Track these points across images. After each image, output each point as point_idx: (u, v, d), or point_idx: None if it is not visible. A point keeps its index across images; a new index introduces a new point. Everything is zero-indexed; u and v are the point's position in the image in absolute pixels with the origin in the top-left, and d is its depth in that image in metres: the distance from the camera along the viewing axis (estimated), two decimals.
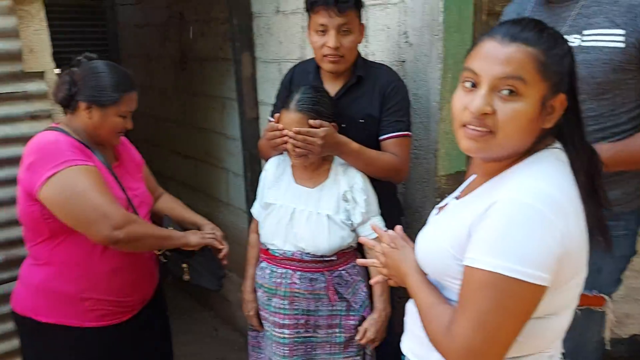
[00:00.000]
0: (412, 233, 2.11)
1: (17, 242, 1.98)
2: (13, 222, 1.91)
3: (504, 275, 0.88)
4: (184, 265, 1.83)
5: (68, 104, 1.72)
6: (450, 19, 1.84)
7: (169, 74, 3.88)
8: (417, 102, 2.01)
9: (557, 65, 0.94)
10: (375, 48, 2.13)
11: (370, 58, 2.14)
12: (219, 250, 1.91)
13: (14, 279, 2.26)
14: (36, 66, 2.22)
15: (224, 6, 2.90)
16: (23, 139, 2.22)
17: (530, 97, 0.93)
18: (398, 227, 1.27)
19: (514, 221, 0.89)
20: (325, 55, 1.79)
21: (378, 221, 1.80)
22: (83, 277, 1.67)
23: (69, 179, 1.55)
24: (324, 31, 1.76)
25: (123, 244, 1.59)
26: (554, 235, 0.88)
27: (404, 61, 2.04)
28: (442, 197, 2.00)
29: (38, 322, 1.69)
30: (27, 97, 2.22)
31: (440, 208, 1.21)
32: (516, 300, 0.89)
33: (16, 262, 1.95)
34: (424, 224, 1.24)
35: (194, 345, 3.20)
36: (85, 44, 4.96)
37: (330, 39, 1.75)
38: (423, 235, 1.14)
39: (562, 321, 1.01)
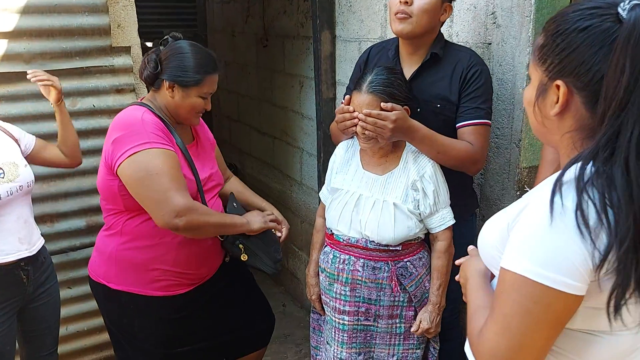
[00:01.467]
0: None
1: (99, 209, 2.10)
2: (96, 191, 2.02)
3: (529, 278, 0.81)
4: (240, 245, 1.84)
5: (152, 82, 1.76)
6: None
7: (251, 51, 3.92)
8: (501, 88, 1.87)
9: None
10: (460, 29, 2.00)
11: (454, 39, 2.01)
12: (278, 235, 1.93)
13: (94, 244, 2.41)
14: (123, 41, 2.32)
15: None
16: (108, 111, 2.35)
17: None
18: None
19: (544, 223, 0.81)
20: (395, 14, 1.69)
21: (447, 213, 1.71)
22: (152, 249, 1.73)
23: (146, 160, 1.58)
24: None
25: (182, 230, 1.63)
26: (589, 242, 0.78)
27: (490, 43, 1.90)
28: (523, 191, 1.88)
29: (109, 289, 1.79)
30: (113, 70, 2.32)
31: None
32: (542, 306, 0.81)
33: (97, 228, 2.07)
34: None
35: None
36: (175, 19, 5.14)
37: None
38: (488, 221, 1.07)
39: (623, 343, 0.90)
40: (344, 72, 2.72)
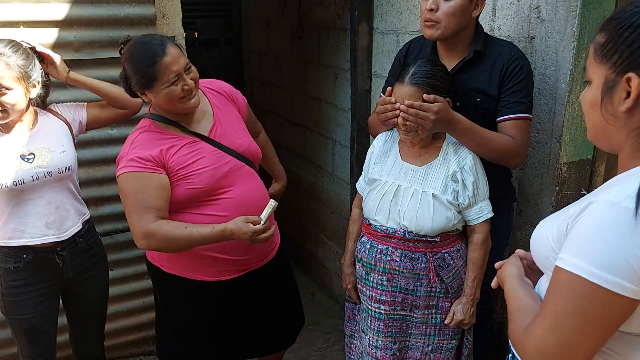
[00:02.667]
0: (524, 221, 2.02)
1: None
2: None
3: (584, 278, 0.82)
4: None
5: (136, 96, 1.76)
6: None
7: (285, 41, 3.95)
8: (544, 83, 1.87)
9: None
10: (502, 22, 2.00)
11: (496, 33, 2.01)
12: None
13: None
14: (168, 31, 2.38)
15: None
16: None
17: None
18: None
19: (605, 223, 0.81)
20: (424, 21, 1.72)
21: (485, 206, 1.73)
22: None
23: (121, 184, 1.70)
24: None
25: (152, 249, 1.77)
26: None
27: (533, 38, 1.90)
28: (562, 186, 1.88)
29: (163, 272, 1.86)
30: None
31: None
32: (596, 307, 0.82)
33: None
34: (538, 212, 1.17)
35: None
36: (209, 9, 5.20)
37: (428, 1, 1.68)
38: (543, 220, 1.08)
39: None
40: (381, 64, 2.73)
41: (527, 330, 0.91)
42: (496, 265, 1.18)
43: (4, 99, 1.72)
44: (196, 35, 4.98)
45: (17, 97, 1.75)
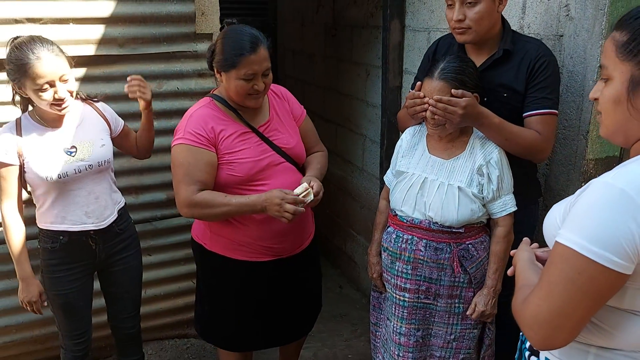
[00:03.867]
0: None
1: None
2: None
3: (575, 251, 0.88)
4: None
5: (212, 69, 1.89)
6: None
7: (319, 40, 4.03)
8: (571, 80, 1.89)
9: None
10: (532, 20, 2.03)
11: (525, 30, 2.04)
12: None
13: (173, 215, 2.61)
14: (206, 28, 2.48)
15: None
16: (190, 94, 2.53)
17: None
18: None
19: (599, 202, 0.88)
20: (454, 29, 1.79)
21: (509, 200, 1.77)
22: (237, 222, 1.90)
23: (175, 154, 1.83)
24: (451, 4, 1.76)
25: (194, 217, 1.90)
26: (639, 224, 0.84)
27: (561, 35, 1.92)
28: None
29: (205, 249, 1.99)
30: (196, 56, 2.50)
31: None
32: (585, 277, 0.88)
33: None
34: None
35: None
36: (246, 7, 5.32)
37: (454, 12, 1.74)
38: (553, 206, 1.14)
39: None
40: (412, 61, 2.78)
41: (526, 300, 0.98)
42: (511, 252, 1.23)
43: (69, 86, 1.86)
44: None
45: (74, 83, 1.89)
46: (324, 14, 3.90)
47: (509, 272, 1.21)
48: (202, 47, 2.48)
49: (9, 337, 2.51)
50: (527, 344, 1.17)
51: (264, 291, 2.02)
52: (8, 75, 1.82)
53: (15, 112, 1.97)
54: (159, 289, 2.72)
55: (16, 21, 2.19)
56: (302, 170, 2.02)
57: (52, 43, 1.83)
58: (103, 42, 2.34)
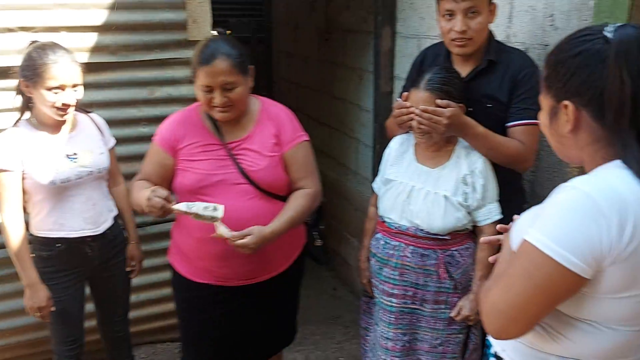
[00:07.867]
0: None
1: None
2: None
3: (536, 247, 0.92)
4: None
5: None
6: (603, 3, 1.71)
7: (313, 44, 4.05)
8: None
9: None
10: (518, 29, 2.06)
11: (512, 40, 2.07)
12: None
13: (165, 220, 2.62)
14: (198, 35, 2.51)
15: None
16: (183, 100, 2.56)
17: None
18: (516, 217, 1.28)
19: (564, 204, 0.92)
20: (453, 40, 1.78)
21: (494, 208, 1.79)
22: (181, 231, 1.94)
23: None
24: (451, 15, 1.75)
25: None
26: (601, 229, 0.88)
27: (547, 45, 1.95)
28: None
29: (170, 263, 2.03)
30: (188, 63, 2.50)
31: None
32: (542, 274, 0.92)
33: None
34: None
35: (312, 300, 3.43)
36: (241, 9, 5.33)
37: (457, 23, 1.74)
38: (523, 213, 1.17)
39: (619, 337, 0.98)
40: (402, 67, 2.81)
41: (488, 289, 1.03)
42: (490, 259, 1.25)
43: (77, 95, 1.90)
44: (229, 33, 5.13)
45: (82, 93, 1.94)
46: (317, 18, 3.92)
47: (491, 259, 1.24)
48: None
49: (4, 340, 2.54)
50: (492, 350, 1.20)
51: (208, 315, 1.95)
52: (20, 73, 1.85)
53: (14, 119, 1.99)
54: (151, 293, 2.75)
55: (9, 30, 2.21)
56: (283, 199, 1.89)
57: (71, 52, 1.89)
58: (95, 49, 2.36)
